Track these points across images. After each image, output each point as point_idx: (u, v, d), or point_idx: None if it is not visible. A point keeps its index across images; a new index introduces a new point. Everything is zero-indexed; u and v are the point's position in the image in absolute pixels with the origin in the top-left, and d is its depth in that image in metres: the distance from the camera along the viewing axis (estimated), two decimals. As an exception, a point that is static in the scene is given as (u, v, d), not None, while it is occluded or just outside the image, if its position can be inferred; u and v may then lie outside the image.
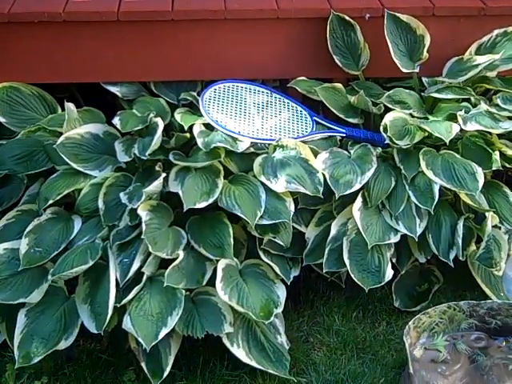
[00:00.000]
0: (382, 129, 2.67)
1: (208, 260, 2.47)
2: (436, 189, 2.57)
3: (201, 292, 2.46)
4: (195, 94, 2.86)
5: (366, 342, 2.64)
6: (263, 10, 2.84)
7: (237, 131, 2.63)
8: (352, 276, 2.56)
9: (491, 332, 2.51)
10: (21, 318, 2.38)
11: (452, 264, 2.62)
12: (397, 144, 2.64)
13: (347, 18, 2.85)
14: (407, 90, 2.85)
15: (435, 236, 2.64)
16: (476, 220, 2.69)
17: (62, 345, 2.36)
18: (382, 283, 2.56)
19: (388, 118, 2.69)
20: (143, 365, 2.40)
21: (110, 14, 2.76)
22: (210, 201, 2.46)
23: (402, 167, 2.63)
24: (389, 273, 2.57)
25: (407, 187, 2.61)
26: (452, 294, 2.78)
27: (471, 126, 2.64)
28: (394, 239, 2.60)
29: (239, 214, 2.45)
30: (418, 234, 2.59)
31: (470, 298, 2.62)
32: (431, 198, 2.57)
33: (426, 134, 2.67)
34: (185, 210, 2.43)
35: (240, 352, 2.42)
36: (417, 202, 2.59)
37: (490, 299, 2.60)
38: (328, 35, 2.86)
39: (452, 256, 2.63)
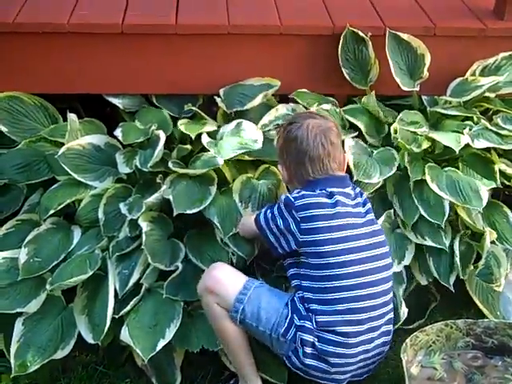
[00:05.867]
0: (392, 131, 2.69)
1: (205, 274, 2.46)
2: (446, 204, 2.58)
3: (198, 306, 2.44)
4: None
5: (363, 359, 2.63)
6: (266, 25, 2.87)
7: None
8: None
9: (488, 351, 2.50)
10: (18, 327, 2.37)
11: (452, 288, 2.62)
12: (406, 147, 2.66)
13: (360, 33, 2.84)
14: (412, 111, 2.86)
15: (436, 260, 2.66)
16: (474, 238, 2.70)
17: (59, 354, 2.36)
18: (399, 323, 2.53)
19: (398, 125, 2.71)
20: (153, 380, 2.42)
21: (114, 27, 2.78)
22: (202, 207, 2.46)
23: (408, 168, 2.64)
24: (403, 311, 2.54)
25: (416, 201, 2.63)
26: (448, 312, 2.77)
27: (480, 143, 2.67)
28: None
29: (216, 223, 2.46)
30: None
31: (466, 317, 2.61)
32: (442, 213, 2.58)
33: (430, 144, 2.70)
34: (174, 215, 2.43)
35: None
36: (427, 216, 2.59)
37: (487, 318, 2.60)
38: (340, 49, 2.86)
39: (452, 280, 2.64)
